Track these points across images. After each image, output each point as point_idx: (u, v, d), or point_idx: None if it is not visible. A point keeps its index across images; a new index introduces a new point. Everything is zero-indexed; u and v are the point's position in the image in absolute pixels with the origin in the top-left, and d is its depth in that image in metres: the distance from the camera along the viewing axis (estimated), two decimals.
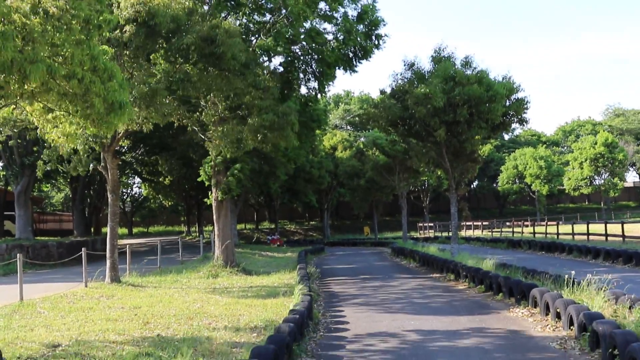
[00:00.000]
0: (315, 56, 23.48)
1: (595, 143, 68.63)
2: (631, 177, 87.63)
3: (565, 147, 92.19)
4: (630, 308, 10.67)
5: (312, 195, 57.02)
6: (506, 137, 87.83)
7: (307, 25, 22.60)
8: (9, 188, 40.41)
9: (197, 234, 60.79)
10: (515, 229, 47.99)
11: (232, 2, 22.18)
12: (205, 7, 20.99)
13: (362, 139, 59.03)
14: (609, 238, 30.35)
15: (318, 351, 10.23)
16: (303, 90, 25.80)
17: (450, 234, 33.80)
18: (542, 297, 12.22)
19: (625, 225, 29.83)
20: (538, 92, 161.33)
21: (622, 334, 8.31)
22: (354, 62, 24.41)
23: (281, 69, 23.88)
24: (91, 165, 21.72)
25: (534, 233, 41.52)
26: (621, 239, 28.71)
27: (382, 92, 29.18)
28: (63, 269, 26.89)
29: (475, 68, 27.75)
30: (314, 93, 25.54)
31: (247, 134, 20.31)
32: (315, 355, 9.96)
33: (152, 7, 16.71)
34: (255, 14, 22.91)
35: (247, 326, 11.86)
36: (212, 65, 18.34)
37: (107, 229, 21.05)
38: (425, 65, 28.95)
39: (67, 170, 22.43)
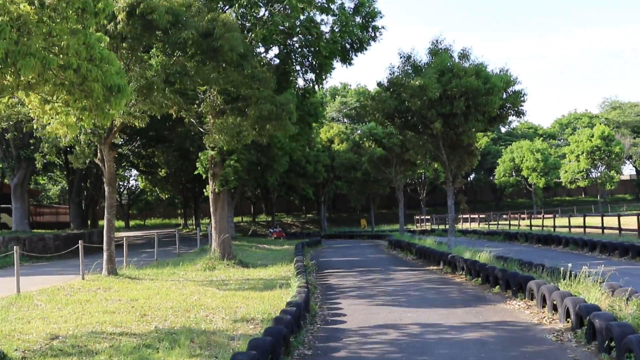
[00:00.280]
0: (312, 48, 23.40)
1: (592, 136, 68.72)
2: (627, 170, 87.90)
3: (562, 140, 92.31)
4: (626, 300, 10.69)
5: (309, 188, 57.03)
6: (503, 129, 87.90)
7: (303, 17, 22.51)
8: (6, 181, 40.34)
9: (194, 226, 60.77)
10: (512, 222, 48.04)
11: None
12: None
13: (359, 132, 58.92)
14: (606, 231, 30.42)
15: (315, 343, 10.25)
16: (300, 82, 25.77)
17: (447, 226, 33.85)
18: (538, 290, 12.24)
19: (621, 218, 29.90)
20: (535, 85, 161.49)
21: (619, 326, 8.33)
22: (351, 55, 24.33)
23: (277, 60, 23.81)
24: (89, 157, 21.64)
25: (531, 226, 41.57)
26: (617, 231, 28.77)
27: (379, 84, 29.14)
28: (60, 261, 26.86)
29: (473, 62, 27.78)
30: (311, 84, 25.45)
31: (247, 127, 20.25)
32: (313, 347, 9.97)
33: (151, 3, 16.60)
34: (251, 6, 22.82)
35: (244, 318, 11.86)
36: (209, 58, 18.27)
37: (103, 222, 21.01)
38: (423, 57, 28.92)
39: (69, 162, 22.29)
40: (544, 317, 11.44)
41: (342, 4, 23.15)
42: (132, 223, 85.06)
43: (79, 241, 19.45)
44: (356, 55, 24.54)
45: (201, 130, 23.39)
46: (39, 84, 8.89)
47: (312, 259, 27.17)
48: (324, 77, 24.67)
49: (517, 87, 27.79)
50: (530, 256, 21.11)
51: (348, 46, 24.01)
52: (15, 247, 16.53)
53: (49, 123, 11.55)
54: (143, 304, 13.60)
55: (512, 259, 18.53)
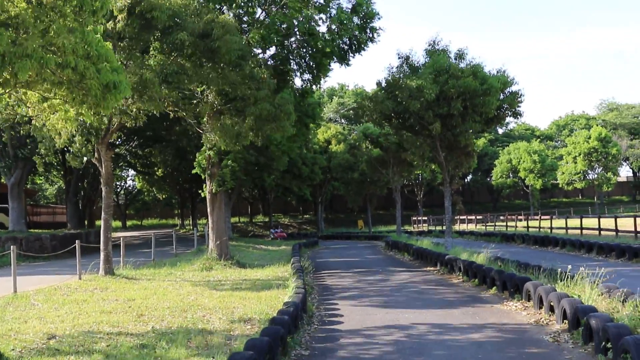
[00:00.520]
0: (310, 49, 23.40)
1: (589, 137, 68.85)
2: (624, 172, 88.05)
3: (559, 142, 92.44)
4: (623, 302, 10.71)
5: (306, 189, 56.97)
6: (500, 131, 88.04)
7: (301, 18, 22.52)
8: (2, 180, 40.28)
9: (191, 227, 60.74)
10: (509, 223, 48.11)
11: None
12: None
13: (355, 132, 58.96)
14: (602, 232, 30.46)
15: (312, 344, 10.25)
16: (298, 82, 25.76)
17: (444, 227, 33.86)
18: (535, 291, 12.25)
19: (618, 219, 29.94)
20: (532, 87, 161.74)
21: (615, 327, 8.34)
22: (348, 55, 24.33)
23: (272, 61, 23.79)
24: (86, 157, 21.63)
25: (528, 227, 41.63)
26: (614, 233, 28.80)
27: (378, 83, 29.15)
28: (57, 261, 26.83)
29: (470, 62, 27.82)
30: (309, 85, 25.43)
31: (246, 129, 20.20)
32: (310, 348, 9.97)
33: (152, 1, 16.59)
34: (248, 7, 22.82)
35: (241, 318, 11.86)
36: (207, 59, 18.26)
37: (101, 222, 21.00)
38: (420, 58, 28.96)
39: (67, 161, 22.27)
40: (541, 318, 11.45)
41: (340, 4, 23.16)
42: (129, 223, 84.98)
43: (76, 241, 19.45)
44: (354, 56, 24.53)
45: (198, 130, 23.38)
46: (37, 82, 8.89)
47: (309, 259, 27.15)
48: (321, 77, 24.66)
49: (514, 88, 27.89)
50: (527, 257, 21.13)
51: (346, 47, 24.01)
52: (12, 246, 16.53)
53: (49, 119, 11.56)
54: (140, 304, 13.58)
55: (509, 260, 18.55)
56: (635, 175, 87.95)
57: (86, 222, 50.86)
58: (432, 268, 22.14)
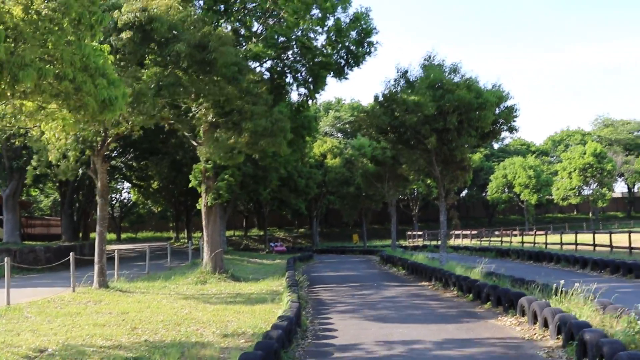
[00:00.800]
0: (306, 63, 23.48)
1: (584, 153, 69.06)
2: (619, 188, 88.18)
3: (555, 157, 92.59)
4: (617, 317, 10.71)
5: (301, 203, 56.96)
6: (496, 146, 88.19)
7: (299, 32, 22.63)
8: None
9: (186, 240, 60.60)
10: (504, 238, 48.10)
11: (222, 7, 22.15)
12: (198, 10, 20.99)
13: (349, 148, 59.05)
14: (597, 248, 30.49)
15: (306, 358, 10.22)
16: (294, 96, 25.83)
17: (439, 242, 33.86)
18: (529, 306, 12.24)
19: (613, 235, 29.99)
20: (528, 102, 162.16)
21: (610, 343, 8.34)
22: (345, 69, 24.43)
23: (267, 74, 23.86)
24: (80, 170, 21.60)
25: (523, 242, 41.62)
26: (609, 249, 28.83)
27: (376, 97, 29.28)
28: (51, 273, 26.73)
29: (463, 75, 28.00)
30: (305, 98, 25.48)
31: (242, 144, 20.18)
32: None
33: (152, 14, 16.66)
34: (246, 20, 22.93)
35: (235, 332, 11.83)
36: (203, 71, 18.31)
37: (95, 234, 20.95)
38: (416, 73, 29.10)
39: (56, 174, 22.31)
40: (535, 334, 11.43)
41: (338, 18, 23.27)
42: (123, 236, 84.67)
43: (70, 253, 19.38)
44: (351, 70, 24.65)
45: (193, 143, 23.37)
46: (35, 93, 8.92)
47: (303, 273, 27.10)
48: (318, 91, 24.73)
49: (509, 103, 28.05)
50: (521, 273, 21.11)
51: (343, 61, 24.11)
52: (5, 258, 16.47)
53: (46, 128, 11.56)
54: (134, 317, 13.54)
55: (503, 275, 18.53)
56: (630, 191, 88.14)
57: (81, 235, 50.70)
58: (426, 283, 22.13)
